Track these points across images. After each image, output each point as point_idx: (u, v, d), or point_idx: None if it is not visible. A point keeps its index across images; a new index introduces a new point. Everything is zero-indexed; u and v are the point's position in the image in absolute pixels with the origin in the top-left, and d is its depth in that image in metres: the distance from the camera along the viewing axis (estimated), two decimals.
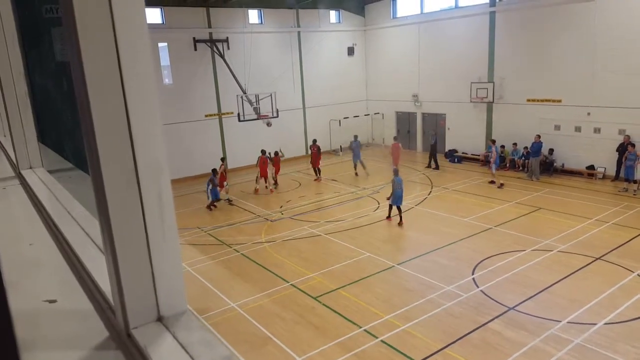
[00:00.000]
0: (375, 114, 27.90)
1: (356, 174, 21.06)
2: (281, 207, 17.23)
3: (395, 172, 14.85)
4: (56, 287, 1.46)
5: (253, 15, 23.89)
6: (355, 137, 21.50)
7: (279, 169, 20.25)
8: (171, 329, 0.90)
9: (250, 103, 21.82)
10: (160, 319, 0.93)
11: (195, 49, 22.05)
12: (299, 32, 25.14)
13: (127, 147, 0.82)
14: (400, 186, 14.46)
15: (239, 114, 21.38)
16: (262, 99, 21.93)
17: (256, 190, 19.31)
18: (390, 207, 14.83)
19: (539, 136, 18.81)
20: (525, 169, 19.85)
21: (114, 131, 0.83)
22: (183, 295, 0.96)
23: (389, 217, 14.98)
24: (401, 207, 14.56)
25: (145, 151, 0.83)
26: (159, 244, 0.88)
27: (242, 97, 21.59)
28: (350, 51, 27.14)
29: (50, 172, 2.71)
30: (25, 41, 2.82)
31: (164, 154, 0.87)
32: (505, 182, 18.44)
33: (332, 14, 26.52)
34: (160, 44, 21.38)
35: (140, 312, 0.92)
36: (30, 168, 2.73)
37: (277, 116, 22.23)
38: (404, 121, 26.60)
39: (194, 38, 21.92)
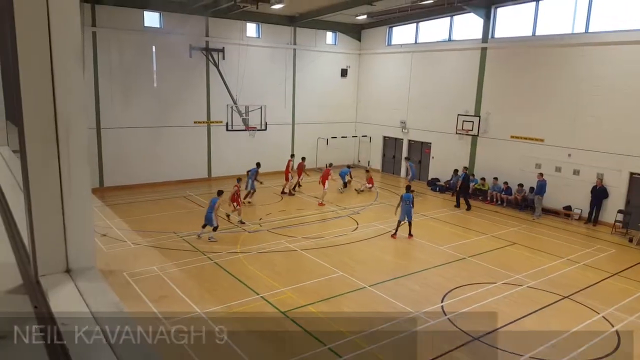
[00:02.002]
0: (362, 136, 28.21)
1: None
2: (260, 219, 17.18)
3: (407, 188, 15.87)
4: None
5: (251, 28, 24.20)
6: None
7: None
8: (75, 279, 0.95)
9: (240, 114, 21.97)
10: (68, 270, 0.99)
11: (191, 56, 22.18)
12: (294, 49, 25.51)
13: (49, 104, 0.87)
14: (408, 201, 15.14)
15: (227, 124, 21.48)
16: (252, 111, 22.09)
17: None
18: (398, 222, 15.33)
19: (541, 174, 18.77)
20: (503, 203, 20.19)
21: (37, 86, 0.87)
22: (92, 252, 1.02)
23: (394, 234, 15.41)
24: (411, 222, 15.38)
25: (64, 108, 0.89)
26: (70, 202, 0.94)
27: (232, 107, 21.73)
28: (344, 73, 27.56)
29: (15, 151, 2.72)
30: None
31: (80, 114, 0.93)
32: (484, 215, 18.75)
33: (329, 35, 27.00)
34: (155, 48, 21.50)
35: (49, 262, 0.97)
36: None
37: (266, 129, 22.39)
38: (391, 146, 26.94)
39: (190, 45, 22.07)
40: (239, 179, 17.31)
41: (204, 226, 14.67)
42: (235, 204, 16.42)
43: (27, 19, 0.87)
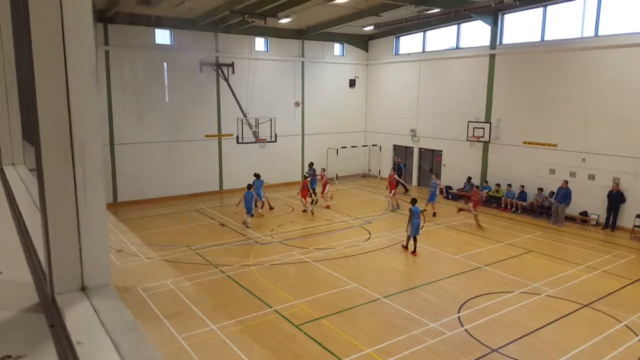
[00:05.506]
0: (372, 145, 28.19)
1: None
2: (272, 230, 17.18)
3: (413, 202, 14.86)
4: (5, 263, 1.54)
5: (259, 43, 24.47)
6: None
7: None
8: (91, 297, 0.95)
9: (250, 126, 22.14)
10: (83, 288, 0.99)
11: (201, 71, 22.47)
12: (302, 62, 25.70)
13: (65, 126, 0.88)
14: (418, 215, 14.51)
15: (237, 137, 21.65)
16: (261, 123, 22.25)
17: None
18: (409, 237, 14.74)
19: (566, 182, 18.37)
20: (518, 210, 19.94)
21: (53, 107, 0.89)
22: (107, 269, 1.02)
23: (406, 247, 14.99)
24: (417, 237, 14.63)
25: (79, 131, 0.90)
26: (85, 220, 0.94)
27: (242, 120, 21.93)
28: (352, 83, 27.67)
29: (31, 170, 2.74)
30: (17, 28, 2.74)
31: (95, 133, 0.93)
32: (499, 222, 18.48)
33: (337, 47, 27.17)
34: (166, 64, 21.85)
35: (65, 280, 0.98)
36: (13, 165, 2.76)
37: (276, 141, 22.51)
38: (401, 155, 26.85)
39: (200, 61, 22.36)
40: (306, 176, 19.94)
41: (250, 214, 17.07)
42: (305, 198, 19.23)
43: (43, 40, 0.88)
